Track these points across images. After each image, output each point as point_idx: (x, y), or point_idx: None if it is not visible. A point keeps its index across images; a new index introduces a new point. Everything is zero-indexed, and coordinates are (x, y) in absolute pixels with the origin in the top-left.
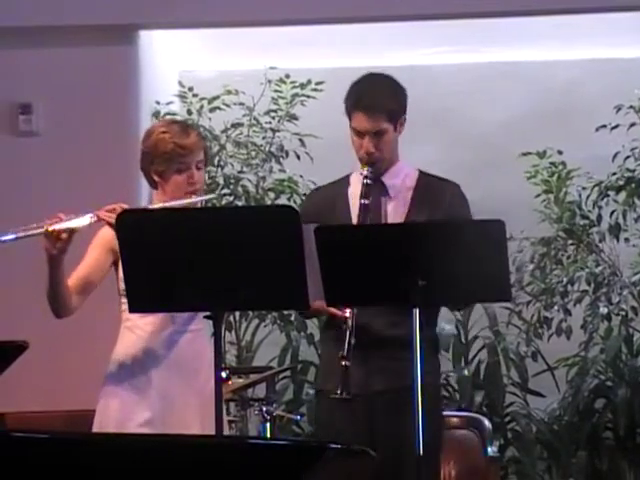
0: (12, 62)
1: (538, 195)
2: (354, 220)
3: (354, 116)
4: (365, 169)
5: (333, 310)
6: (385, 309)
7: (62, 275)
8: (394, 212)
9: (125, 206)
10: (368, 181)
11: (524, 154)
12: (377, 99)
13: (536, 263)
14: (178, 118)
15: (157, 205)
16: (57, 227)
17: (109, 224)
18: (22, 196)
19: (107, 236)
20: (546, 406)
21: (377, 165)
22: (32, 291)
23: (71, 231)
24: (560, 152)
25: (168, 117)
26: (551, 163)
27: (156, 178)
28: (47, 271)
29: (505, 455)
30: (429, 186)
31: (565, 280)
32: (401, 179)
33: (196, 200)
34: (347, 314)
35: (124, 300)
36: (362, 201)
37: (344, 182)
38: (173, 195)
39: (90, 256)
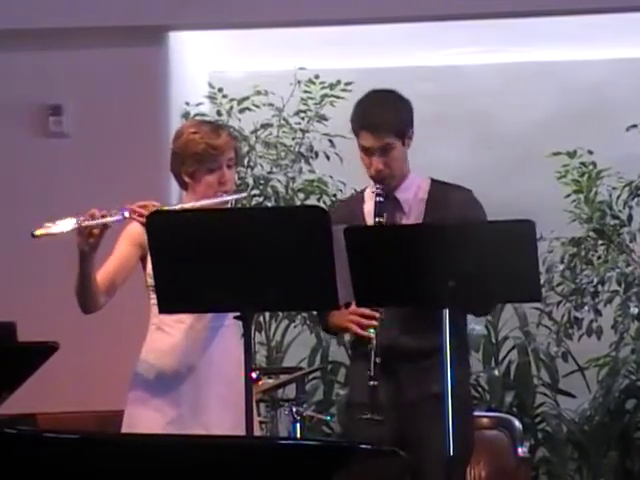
0: (42, 63)
1: (568, 195)
2: None
3: (360, 135)
4: (377, 187)
5: (357, 330)
6: (409, 327)
7: (92, 271)
8: None
9: (156, 203)
10: (381, 199)
11: (554, 154)
12: (381, 117)
13: (566, 263)
14: (207, 118)
15: (189, 204)
16: (90, 223)
17: (139, 221)
18: (52, 197)
19: (135, 231)
20: (577, 406)
21: (387, 181)
22: (63, 292)
23: (103, 227)
24: (590, 152)
25: (197, 117)
26: (581, 163)
27: (186, 179)
28: (77, 267)
29: (535, 456)
30: (440, 195)
31: (595, 280)
32: (413, 192)
33: (227, 199)
34: (372, 334)
35: (153, 296)
36: (376, 219)
37: (359, 199)
38: (204, 195)
39: (118, 251)
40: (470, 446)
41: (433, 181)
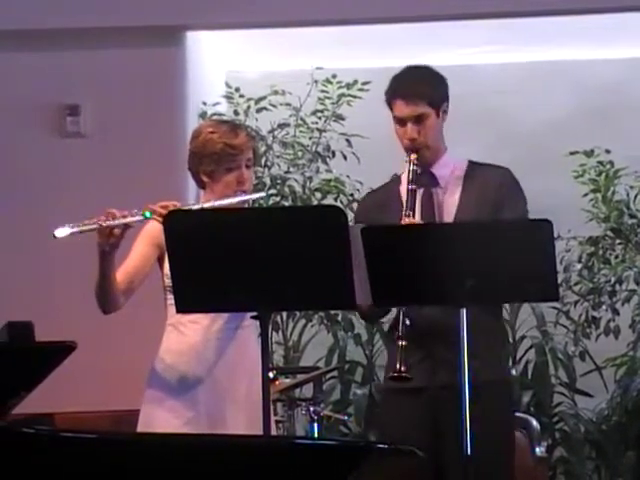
0: (60, 63)
1: (586, 194)
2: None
3: (394, 105)
4: (412, 156)
5: None
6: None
7: (113, 271)
8: (446, 202)
9: (178, 204)
10: (415, 167)
11: (571, 153)
12: (415, 85)
13: (584, 262)
14: (225, 118)
15: (208, 203)
16: (111, 223)
17: (161, 221)
18: (69, 198)
19: (153, 231)
20: (594, 406)
21: (422, 152)
22: (80, 291)
23: (125, 227)
24: (608, 151)
25: (215, 117)
26: (599, 162)
27: (205, 178)
28: (98, 266)
29: (553, 455)
30: (478, 173)
31: (613, 279)
32: (450, 169)
33: (246, 198)
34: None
35: (170, 296)
36: (409, 186)
37: (395, 181)
38: (222, 194)
39: (137, 251)
40: (512, 443)
41: (470, 162)
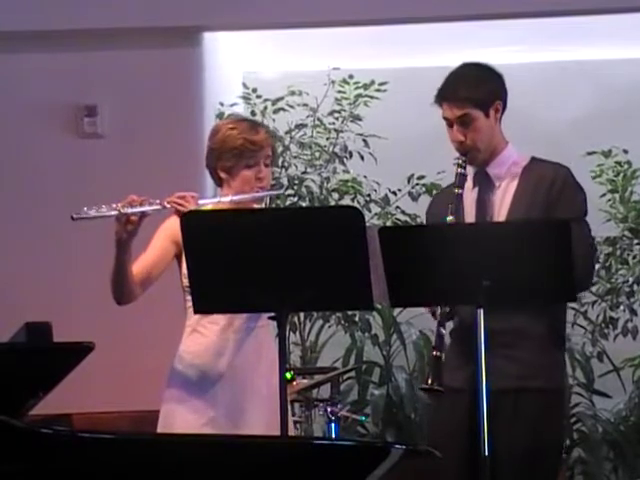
0: (77, 64)
1: (603, 195)
2: (469, 218)
3: (441, 107)
4: (459, 159)
5: None
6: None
7: (129, 260)
8: (500, 202)
9: (195, 194)
10: (462, 170)
11: (589, 153)
12: (457, 87)
13: (602, 263)
14: (244, 116)
15: (227, 197)
16: (129, 211)
17: (177, 211)
18: (85, 198)
19: (172, 227)
20: (612, 407)
21: (473, 154)
22: (98, 292)
23: (142, 215)
24: (625, 151)
25: (235, 114)
26: (616, 162)
27: (222, 175)
28: (114, 255)
29: (571, 456)
30: (534, 170)
31: (631, 280)
32: (507, 167)
33: (264, 195)
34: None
35: (188, 297)
36: (456, 190)
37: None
38: (240, 191)
39: (154, 246)
40: (557, 456)
41: (533, 159)
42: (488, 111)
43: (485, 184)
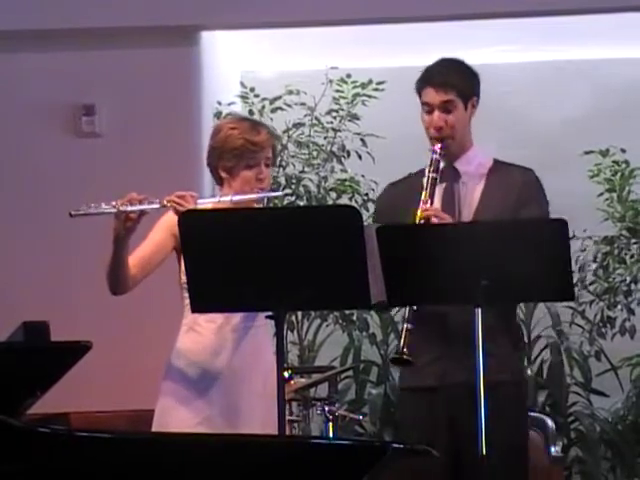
0: (75, 64)
1: (601, 194)
2: (434, 202)
3: (423, 92)
4: (436, 145)
5: None
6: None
7: (126, 255)
8: (467, 198)
9: (194, 194)
10: (437, 156)
11: (587, 153)
12: (446, 74)
13: (599, 262)
14: (246, 115)
15: (227, 196)
16: (128, 209)
17: (176, 210)
18: (84, 198)
19: (171, 221)
20: (610, 406)
21: (448, 143)
22: (95, 291)
23: (141, 212)
24: (623, 150)
25: (234, 113)
26: (614, 162)
27: (223, 174)
28: (112, 251)
29: (569, 455)
30: (502, 172)
31: (628, 279)
32: (474, 166)
33: (264, 195)
34: None
35: (186, 294)
36: (431, 174)
37: (420, 174)
38: (240, 191)
39: (152, 238)
40: (524, 444)
41: (496, 161)
42: (467, 104)
43: (453, 179)
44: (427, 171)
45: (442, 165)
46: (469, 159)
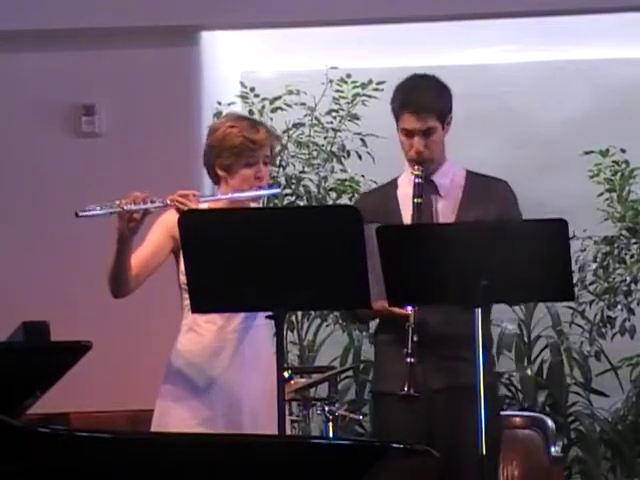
0: (75, 63)
1: (601, 194)
2: (406, 221)
3: (402, 117)
4: (416, 169)
5: (396, 310)
6: (447, 312)
7: (129, 256)
8: (445, 211)
9: (197, 193)
10: (420, 180)
11: (587, 153)
12: (424, 98)
13: (599, 262)
14: (243, 114)
15: (226, 196)
16: (132, 208)
17: (178, 210)
18: (84, 198)
19: (169, 222)
20: (610, 406)
21: (427, 165)
22: (95, 291)
23: (144, 212)
24: (623, 150)
25: (231, 112)
26: (614, 162)
27: (221, 173)
28: (114, 251)
29: (569, 455)
30: (479, 184)
31: (628, 279)
32: (450, 178)
33: (262, 193)
34: (409, 311)
35: (186, 295)
36: (415, 200)
37: (392, 185)
38: (239, 189)
39: (152, 239)
40: (498, 443)
41: (468, 172)
42: (444, 123)
43: (430, 193)
44: (412, 196)
45: (422, 184)
46: (445, 172)
